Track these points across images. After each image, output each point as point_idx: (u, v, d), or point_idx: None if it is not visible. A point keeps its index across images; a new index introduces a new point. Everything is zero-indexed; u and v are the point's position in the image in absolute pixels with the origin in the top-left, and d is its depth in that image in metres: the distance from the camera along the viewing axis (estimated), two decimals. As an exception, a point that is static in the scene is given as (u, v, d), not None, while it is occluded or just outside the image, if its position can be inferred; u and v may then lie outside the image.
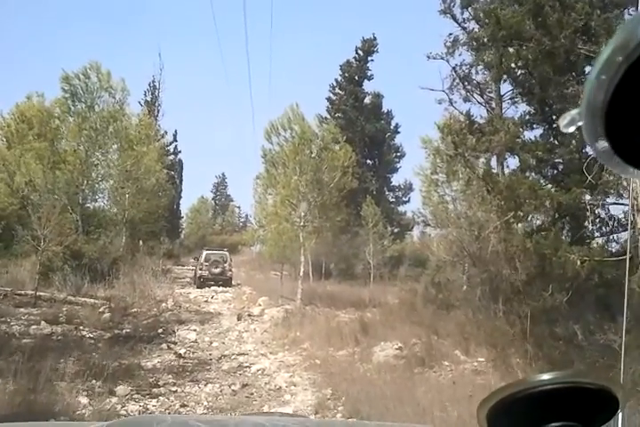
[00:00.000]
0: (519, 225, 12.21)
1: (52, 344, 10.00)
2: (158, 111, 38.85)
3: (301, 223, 16.37)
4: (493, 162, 15.54)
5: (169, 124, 57.39)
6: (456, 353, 10.42)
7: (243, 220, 60.26)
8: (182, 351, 9.98)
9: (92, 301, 14.67)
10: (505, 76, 12.95)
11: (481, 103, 15.93)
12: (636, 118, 0.53)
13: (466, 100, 16.02)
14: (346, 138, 18.12)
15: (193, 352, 10.12)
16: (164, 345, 10.41)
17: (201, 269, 21.57)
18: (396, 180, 32.54)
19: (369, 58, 31.28)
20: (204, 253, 22.74)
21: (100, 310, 13.99)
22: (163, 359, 9.35)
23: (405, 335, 10.80)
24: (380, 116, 31.74)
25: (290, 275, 23.26)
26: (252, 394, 7.67)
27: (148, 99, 38.75)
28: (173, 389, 7.52)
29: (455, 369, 9.63)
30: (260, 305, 15.75)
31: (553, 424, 0.83)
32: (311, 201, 16.04)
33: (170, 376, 8.20)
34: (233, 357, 9.88)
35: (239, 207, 61.58)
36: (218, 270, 21.31)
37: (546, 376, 0.84)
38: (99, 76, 22.31)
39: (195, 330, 12.31)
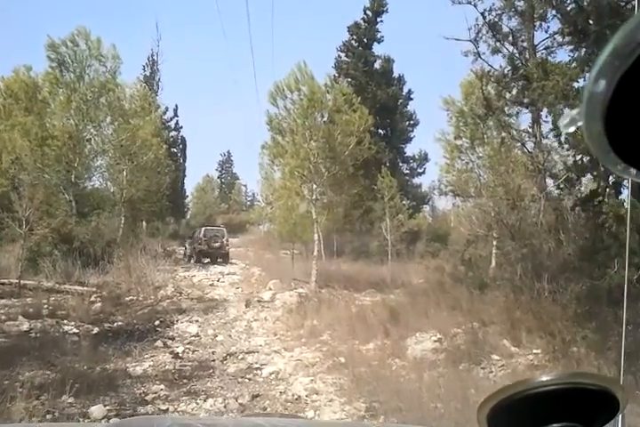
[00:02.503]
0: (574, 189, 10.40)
1: (26, 344, 8.47)
2: (158, 86, 37.28)
3: (313, 197, 14.64)
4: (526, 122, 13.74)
5: (170, 100, 55.38)
6: (504, 344, 8.77)
7: (250, 198, 58.81)
8: (180, 350, 8.37)
9: (83, 289, 13.16)
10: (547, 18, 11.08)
11: (514, 54, 13.99)
12: (636, 118, 0.53)
13: (495, 51, 14.10)
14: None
15: (193, 351, 8.50)
16: (159, 342, 8.81)
17: (200, 244, 21.77)
18: (410, 150, 30.71)
19: (378, 19, 29.14)
20: (203, 229, 23.06)
21: (91, 299, 12.47)
22: (156, 362, 7.74)
23: (443, 323, 9.15)
24: (391, 82, 29.71)
25: (301, 254, 21.67)
26: (265, 409, 6.05)
27: (147, 73, 37.33)
28: (164, 407, 5.90)
29: (507, 364, 8.01)
30: (270, 289, 14.13)
31: (553, 425, 0.82)
32: (323, 171, 14.27)
33: (162, 387, 6.59)
34: (240, 356, 8.25)
35: (245, 186, 59.93)
36: (217, 244, 21.66)
37: (546, 377, 0.84)
38: (88, 44, 20.51)
39: (196, 321, 10.74)
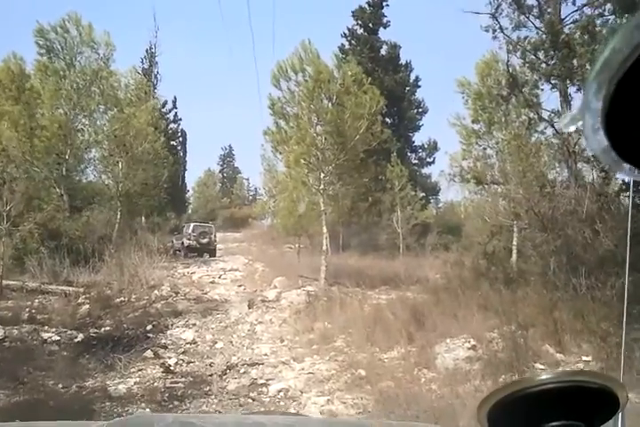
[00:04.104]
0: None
1: (-5, 356, 7.31)
2: (156, 78, 36.29)
3: (321, 187, 13.41)
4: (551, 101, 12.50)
5: (169, 93, 54.16)
6: (547, 350, 7.59)
7: (252, 193, 57.86)
8: (172, 362, 7.21)
9: (71, 289, 12.00)
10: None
11: (539, 28, 12.71)
12: (636, 118, 0.53)
13: (518, 26, 12.87)
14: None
15: (187, 362, 7.32)
16: (149, 352, 7.62)
17: (189, 240, 22.15)
18: (419, 139, 29.49)
19: (384, 3, 27.86)
20: (192, 224, 23.48)
21: (79, 300, 11.33)
22: (143, 378, 6.58)
23: (475, 326, 7.95)
24: (398, 69, 28.47)
25: (306, 248, 20.52)
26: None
27: (146, 66, 36.32)
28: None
29: (555, 375, 6.81)
30: (275, 287, 12.93)
31: (553, 423, 0.82)
32: (332, 159, 13.01)
33: (147, 412, 5.42)
34: (242, 368, 7.06)
35: (248, 179, 58.87)
36: (205, 240, 22.01)
37: (546, 375, 0.84)
38: (79, 29, 19.30)
39: (193, 325, 9.57)
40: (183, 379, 6.54)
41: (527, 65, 11.39)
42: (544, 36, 9.39)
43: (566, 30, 12.86)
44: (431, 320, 8.45)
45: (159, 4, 78.88)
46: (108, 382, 6.39)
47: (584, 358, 7.31)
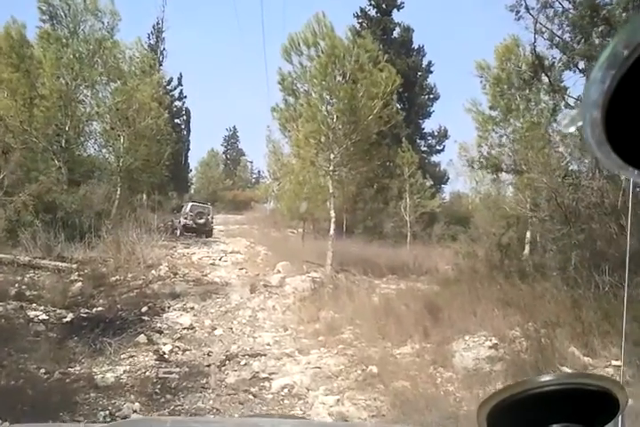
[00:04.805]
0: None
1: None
2: (162, 55, 35.57)
3: (330, 168, 12.72)
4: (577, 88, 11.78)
5: (175, 70, 53.26)
6: (573, 352, 6.99)
7: (255, 176, 57.34)
8: (167, 349, 6.62)
9: (64, 265, 11.39)
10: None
11: (567, 10, 11.96)
12: (636, 118, 0.53)
13: (545, 5, 12.14)
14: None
15: (183, 350, 6.72)
16: (143, 337, 7.03)
17: (186, 219, 21.92)
18: (428, 126, 28.77)
19: (399, -17, 26.95)
20: (190, 204, 23.21)
21: (72, 277, 10.75)
22: (134, 365, 6.00)
23: (496, 323, 7.35)
24: (410, 53, 27.67)
25: (308, 233, 19.92)
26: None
27: (152, 42, 35.61)
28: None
29: (584, 380, 6.22)
30: (279, 272, 12.31)
31: (554, 425, 0.82)
32: (343, 139, 12.29)
33: (135, 406, 4.83)
34: (243, 360, 6.47)
35: (252, 162, 58.22)
36: (202, 221, 21.75)
37: (547, 377, 0.84)
38: (83, -4, 18.49)
39: (192, 308, 8.97)
40: (178, 369, 5.94)
41: (555, 46, 10.69)
42: (583, 10, 8.64)
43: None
44: (447, 314, 7.85)
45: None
46: (95, 370, 5.81)
47: (614, 362, 6.73)
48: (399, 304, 8.94)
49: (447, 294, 9.36)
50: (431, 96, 28.41)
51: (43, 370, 5.77)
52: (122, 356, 6.31)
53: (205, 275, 12.05)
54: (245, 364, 6.30)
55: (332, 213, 12.88)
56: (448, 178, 28.07)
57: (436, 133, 28.21)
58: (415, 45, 28.43)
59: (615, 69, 0.49)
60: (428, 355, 6.75)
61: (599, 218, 10.02)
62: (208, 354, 6.60)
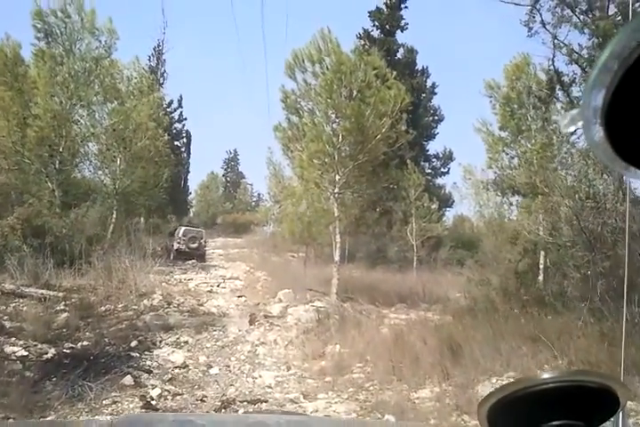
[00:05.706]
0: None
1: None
2: (163, 77, 35.32)
3: (335, 190, 12.06)
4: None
5: (175, 92, 53.14)
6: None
7: (255, 199, 56.89)
8: (155, 393, 5.84)
9: (51, 293, 10.65)
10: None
11: (585, 23, 11.44)
12: (636, 118, 0.53)
13: (561, 20, 11.67)
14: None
15: (174, 394, 5.93)
16: (129, 378, 6.25)
17: (178, 243, 21.79)
18: (433, 148, 28.25)
19: (402, 5, 26.70)
20: (182, 228, 23.08)
21: (58, 307, 9.99)
22: (115, 415, 5.21)
23: (524, 362, 6.59)
24: (414, 74, 27.29)
25: (309, 258, 19.19)
26: None
27: (153, 64, 35.39)
28: None
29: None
30: (280, 301, 11.53)
31: (554, 423, 0.80)
32: (349, 159, 11.63)
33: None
34: (241, 406, 5.67)
35: (252, 185, 57.79)
36: (195, 245, 21.66)
37: (546, 375, 0.82)
38: (81, 15, 18.04)
39: (185, 343, 8.20)
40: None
41: (575, 62, 10.13)
42: (607, 24, 8.10)
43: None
44: (467, 350, 7.09)
45: (168, 1, 77.75)
46: (71, 419, 5.03)
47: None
48: (412, 338, 8.18)
49: (463, 326, 8.59)
50: (436, 117, 27.98)
51: (11, 420, 5.02)
52: (104, 402, 5.53)
53: (202, 304, 11.28)
54: (244, 412, 5.52)
55: (338, 238, 12.17)
56: (453, 201, 27.45)
57: (440, 155, 27.71)
58: (419, 66, 28.16)
59: (615, 69, 0.48)
60: (449, 399, 5.97)
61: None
62: (202, 400, 5.81)
